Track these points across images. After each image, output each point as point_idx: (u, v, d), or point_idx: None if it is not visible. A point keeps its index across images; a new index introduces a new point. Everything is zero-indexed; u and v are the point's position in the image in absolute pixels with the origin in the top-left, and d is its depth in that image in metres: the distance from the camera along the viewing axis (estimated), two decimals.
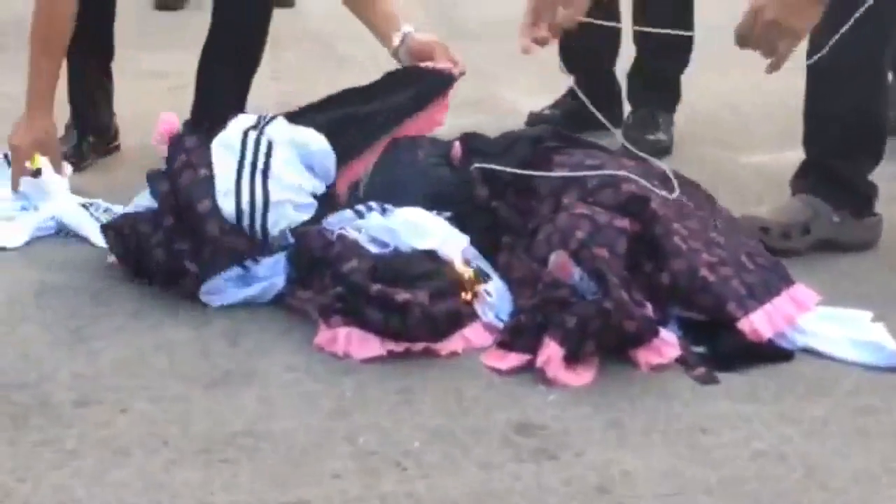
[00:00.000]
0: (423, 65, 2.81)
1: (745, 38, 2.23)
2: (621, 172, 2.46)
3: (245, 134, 2.53)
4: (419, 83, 2.76)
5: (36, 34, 2.79)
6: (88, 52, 3.02)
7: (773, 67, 2.26)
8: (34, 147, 2.77)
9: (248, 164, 2.49)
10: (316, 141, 2.56)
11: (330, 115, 2.68)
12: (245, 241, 2.44)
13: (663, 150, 3.22)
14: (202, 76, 3.02)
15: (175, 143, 2.58)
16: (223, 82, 2.97)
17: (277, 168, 2.50)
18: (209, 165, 2.49)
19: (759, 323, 2.28)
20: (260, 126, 2.55)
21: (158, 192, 2.52)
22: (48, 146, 2.80)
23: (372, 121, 2.68)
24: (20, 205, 2.77)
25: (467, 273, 2.35)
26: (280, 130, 2.56)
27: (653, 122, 3.25)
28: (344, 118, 2.67)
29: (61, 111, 3.07)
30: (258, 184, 2.47)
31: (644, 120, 3.26)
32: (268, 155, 2.50)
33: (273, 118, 2.59)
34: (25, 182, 2.77)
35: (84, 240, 2.66)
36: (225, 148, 2.52)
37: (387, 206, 2.52)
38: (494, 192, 2.54)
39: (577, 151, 2.61)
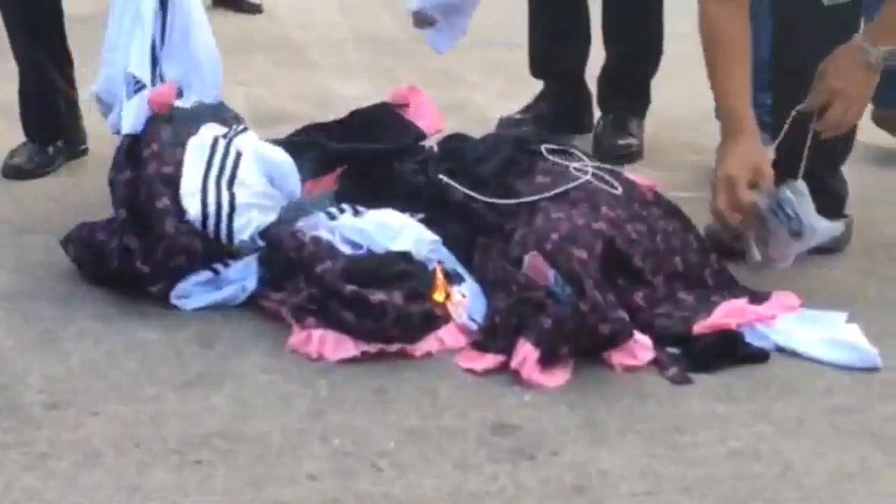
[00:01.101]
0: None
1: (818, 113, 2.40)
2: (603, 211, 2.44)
3: (215, 141, 2.53)
4: (395, 134, 2.75)
5: None
6: (48, 59, 3.01)
7: (838, 130, 2.44)
8: None
9: (214, 170, 2.48)
10: (279, 155, 2.55)
11: (299, 139, 2.70)
12: (201, 242, 2.42)
13: (634, 155, 3.22)
14: None
15: (154, 126, 2.54)
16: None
17: (243, 176, 2.49)
18: (178, 164, 2.47)
19: (714, 319, 2.30)
20: (229, 136, 2.55)
21: (117, 182, 2.50)
22: None
23: (340, 153, 2.70)
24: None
25: (439, 275, 2.35)
26: (248, 142, 2.55)
27: (624, 127, 3.25)
28: (312, 143, 2.69)
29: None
30: (224, 189, 2.45)
31: (615, 125, 3.26)
32: (235, 164, 2.50)
33: (244, 130, 2.58)
34: None
35: (50, 244, 2.61)
36: (196, 150, 2.51)
37: (359, 207, 2.52)
38: (473, 189, 2.53)
39: (560, 163, 2.59)
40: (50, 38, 3.02)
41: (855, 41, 2.41)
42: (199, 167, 2.48)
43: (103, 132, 3.18)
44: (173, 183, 2.45)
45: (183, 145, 2.50)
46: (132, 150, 2.55)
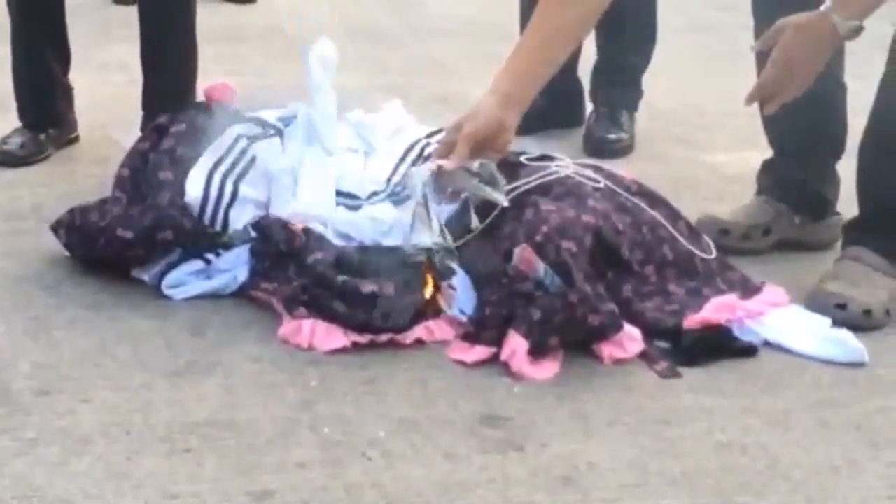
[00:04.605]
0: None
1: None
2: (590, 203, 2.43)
3: (237, 138, 2.53)
4: None
5: None
6: (47, 46, 3.01)
7: (771, 108, 2.30)
8: None
9: (226, 164, 2.49)
10: (285, 175, 2.53)
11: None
12: (190, 220, 2.42)
13: (626, 149, 3.24)
14: (145, 79, 3.03)
15: (194, 111, 2.57)
16: (164, 81, 2.96)
17: (251, 177, 2.50)
18: (196, 150, 2.48)
19: (704, 314, 2.31)
20: (254, 138, 2.54)
21: (133, 148, 2.54)
22: None
23: None
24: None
25: (430, 272, 2.35)
26: (266, 151, 2.53)
27: (615, 121, 3.26)
28: None
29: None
30: (229, 182, 2.46)
31: (606, 118, 3.27)
32: (247, 167, 2.50)
33: (273, 135, 2.57)
34: None
35: (41, 231, 2.60)
36: (217, 145, 2.51)
37: (353, 201, 2.52)
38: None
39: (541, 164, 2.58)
40: (51, 23, 3.01)
41: (828, 12, 2.19)
42: (212, 157, 2.49)
43: (94, 120, 3.19)
44: (183, 163, 2.46)
45: (210, 137, 2.51)
46: (162, 126, 2.57)
